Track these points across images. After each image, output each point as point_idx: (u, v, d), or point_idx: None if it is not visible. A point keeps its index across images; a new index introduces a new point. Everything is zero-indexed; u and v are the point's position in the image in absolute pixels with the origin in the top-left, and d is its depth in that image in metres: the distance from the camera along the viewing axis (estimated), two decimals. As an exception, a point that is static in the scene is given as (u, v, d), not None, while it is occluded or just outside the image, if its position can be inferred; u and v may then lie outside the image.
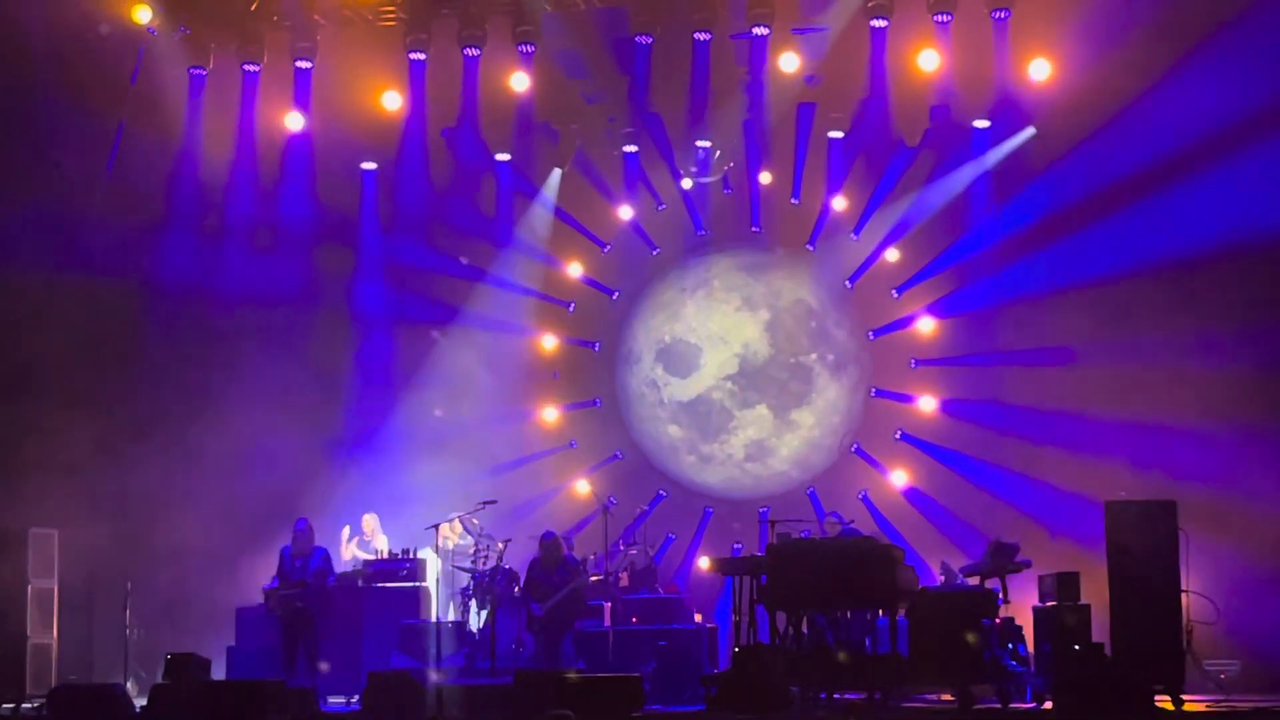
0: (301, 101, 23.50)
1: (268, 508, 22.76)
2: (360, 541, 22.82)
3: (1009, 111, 22.87)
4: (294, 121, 23.61)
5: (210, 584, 22.48)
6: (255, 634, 20.94)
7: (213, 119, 23.55)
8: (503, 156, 24.48)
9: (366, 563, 21.71)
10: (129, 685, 19.71)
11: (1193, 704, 17.05)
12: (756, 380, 24.84)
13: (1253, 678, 19.76)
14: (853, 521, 20.98)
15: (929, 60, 22.42)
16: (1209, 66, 21.19)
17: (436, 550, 21.76)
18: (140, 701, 18.83)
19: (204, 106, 23.47)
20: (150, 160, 23.40)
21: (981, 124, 23.25)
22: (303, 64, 23.22)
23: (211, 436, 22.99)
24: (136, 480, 22.86)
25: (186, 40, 23.14)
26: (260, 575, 20.91)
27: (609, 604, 20.97)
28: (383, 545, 22.31)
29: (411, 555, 21.56)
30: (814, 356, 24.80)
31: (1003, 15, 21.93)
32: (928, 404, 24.16)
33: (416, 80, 23.35)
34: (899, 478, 24.18)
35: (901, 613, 17.96)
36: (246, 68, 23.27)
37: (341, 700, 19.80)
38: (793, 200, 24.70)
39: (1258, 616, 20.25)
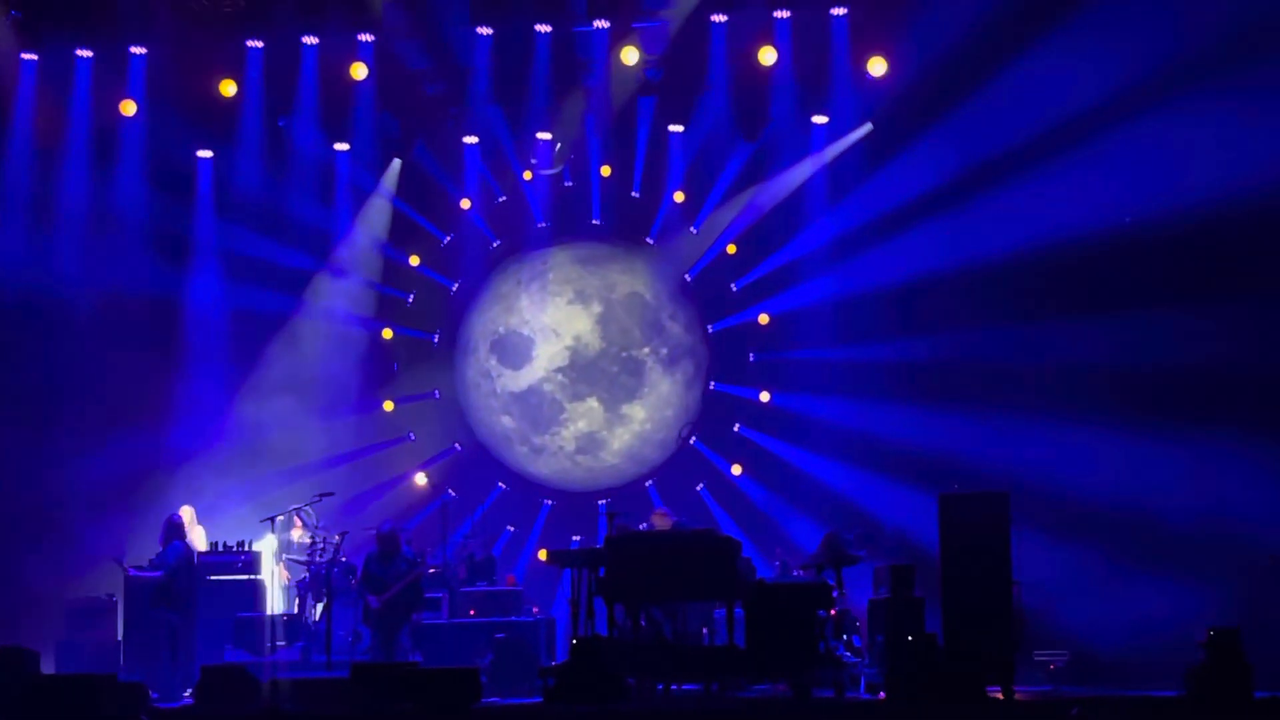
0: (136, 88, 23.18)
1: (100, 502, 22.45)
2: None
3: (847, 107, 23.14)
4: (128, 108, 23.27)
5: (38, 576, 22.06)
6: (85, 627, 20.66)
7: (45, 105, 23.16)
8: (341, 146, 24.29)
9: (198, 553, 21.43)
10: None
11: (1023, 694, 17.30)
12: (587, 373, 24.85)
13: (1081, 668, 20.07)
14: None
15: (768, 56, 22.66)
16: (1044, 63, 21.54)
17: (280, 547, 21.60)
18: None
19: (36, 93, 23.09)
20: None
21: (820, 120, 23.49)
22: (137, 50, 22.91)
23: (41, 429, 22.56)
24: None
25: (17, 24, 22.70)
26: (88, 570, 20.67)
27: (447, 596, 20.90)
28: (198, 538, 21.95)
29: (246, 548, 21.34)
30: (647, 350, 24.85)
31: (842, 13, 22.33)
32: (766, 397, 24.30)
33: (254, 68, 23.17)
34: (738, 471, 24.30)
35: (738, 604, 18.08)
36: (80, 53, 22.91)
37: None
38: (633, 193, 24.76)
39: (1087, 606, 20.58)
